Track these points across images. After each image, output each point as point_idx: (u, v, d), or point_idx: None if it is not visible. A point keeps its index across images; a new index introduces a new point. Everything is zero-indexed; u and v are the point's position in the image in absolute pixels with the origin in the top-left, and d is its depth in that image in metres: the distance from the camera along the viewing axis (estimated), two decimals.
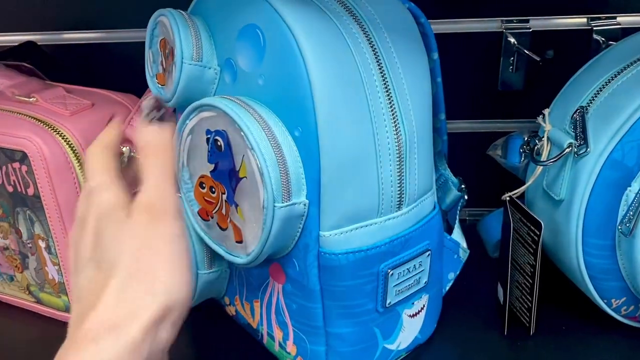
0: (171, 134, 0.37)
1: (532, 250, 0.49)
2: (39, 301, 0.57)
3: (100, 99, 0.54)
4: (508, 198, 0.51)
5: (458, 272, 0.54)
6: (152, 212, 0.34)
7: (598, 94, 0.48)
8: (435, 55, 0.48)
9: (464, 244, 0.54)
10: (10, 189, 0.51)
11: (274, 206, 0.39)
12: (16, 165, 0.50)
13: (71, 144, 0.49)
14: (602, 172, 0.45)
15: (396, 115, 0.41)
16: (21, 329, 0.57)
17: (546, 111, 0.52)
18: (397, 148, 0.41)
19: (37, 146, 0.48)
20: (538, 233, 0.47)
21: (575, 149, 0.46)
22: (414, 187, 0.44)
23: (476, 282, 0.57)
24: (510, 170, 0.56)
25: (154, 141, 0.36)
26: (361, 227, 0.42)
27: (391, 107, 0.41)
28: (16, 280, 0.57)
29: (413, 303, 0.48)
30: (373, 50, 0.40)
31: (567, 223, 0.48)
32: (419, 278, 0.47)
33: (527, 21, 0.61)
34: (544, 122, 0.51)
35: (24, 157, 0.49)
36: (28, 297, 0.57)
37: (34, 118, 0.50)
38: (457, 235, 0.53)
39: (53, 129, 0.49)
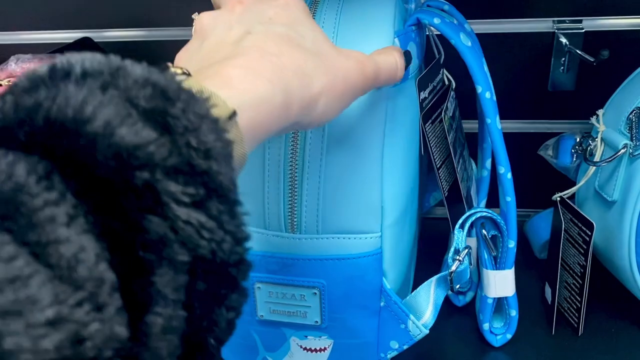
0: None
1: (582, 251, 0.48)
2: None
3: None
4: (559, 198, 0.50)
5: (406, 347, 0.44)
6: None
7: None
8: (480, 90, 0.42)
9: (424, 320, 0.43)
10: None
11: None
12: None
13: None
14: None
15: (298, 135, 0.38)
16: None
17: (600, 112, 0.51)
18: (290, 169, 0.39)
19: None
20: (589, 233, 0.47)
21: (631, 150, 0.46)
22: (313, 218, 0.39)
23: (523, 282, 0.57)
24: (561, 171, 0.55)
25: None
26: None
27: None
28: None
29: (306, 336, 0.44)
30: None
31: (620, 224, 0.47)
32: (305, 312, 0.43)
33: (580, 21, 0.60)
34: (598, 122, 0.50)
35: None
36: None
37: None
38: (417, 305, 0.44)
39: None
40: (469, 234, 0.48)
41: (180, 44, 0.75)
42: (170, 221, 0.20)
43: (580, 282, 0.49)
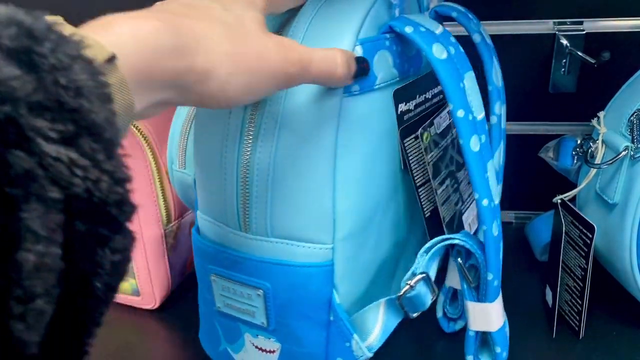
0: None
1: (583, 254, 0.48)
2: None
3: None
4: (559, 200, 0.50)
5: None
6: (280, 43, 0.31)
7: None
8: (451, 107, 0.39)
9: (369, 342, 0.42)
10: None
11: (172, 167, 0.53)
12: None
13: (139, 129, 0.51)
14: None
15: (251, 134, 0.38)
16: None
17: (601, 114, 0.51)
18: (242, 169, 0.39)
19: None
20: (590, 236, 0.46)
21: (632, 152, 0.45)
22: (262, 220, 0.39)
23: (523, 285, 0.57)
24: (562, 173, 0.55)
25: None
26: (211, 222, 0.42)
27: (250, 126, 0.38)
28: None
29: (257, 335, 0.44)
30: None
31: (621, 227, 0.46)
32: (253, 312, 0.42)
33: (581, 23, 0.60)
34: (599, 124, 0.50)
35: None
36: None
37: None
38: (363, 326, 0.42)
39: None
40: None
41: None
42: (37, 157, 0.19)
43: (581, 285, 0.48)
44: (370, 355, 0.41)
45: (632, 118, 0.46)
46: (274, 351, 0.44)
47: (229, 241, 0.41)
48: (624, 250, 0.47)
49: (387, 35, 0.39)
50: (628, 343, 0.50)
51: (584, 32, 0.59)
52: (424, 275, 0.41)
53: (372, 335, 0.41)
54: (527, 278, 0.57)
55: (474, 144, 0.39)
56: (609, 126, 0.49)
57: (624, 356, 0.48)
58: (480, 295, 0.43)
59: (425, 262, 0.42)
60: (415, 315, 0.42)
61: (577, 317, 0.49)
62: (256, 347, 0.44)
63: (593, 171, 0.49)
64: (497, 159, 0.49)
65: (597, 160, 0.48)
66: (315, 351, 0.42)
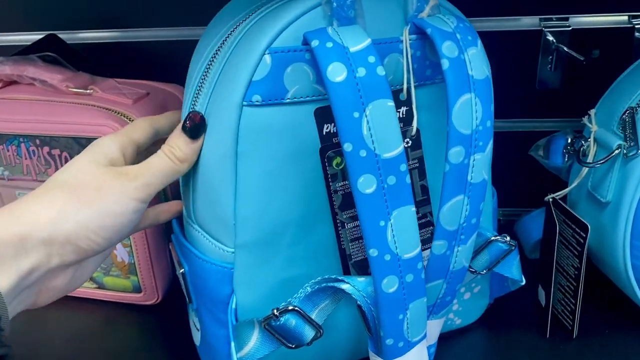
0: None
1: (576, 253, 0.47)
2: (101, 286, 0.57)
3: (151, 89, 0.53)
4: (551, 199, 0.49)
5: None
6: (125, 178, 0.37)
7: None
8: (343, 144, 0.35)
9: (241, 354, 0.41)
10: None
11: None
12: None
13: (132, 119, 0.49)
14: None
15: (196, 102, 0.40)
16: (82, 317, 0.57)
17: (592, 112, 0.50)
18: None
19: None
20: (584, 235, 0.46)
21: (625, 151, 0.45)
22: (192, 208, 0.42)
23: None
24: (552, 171, 0.55)
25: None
26: None
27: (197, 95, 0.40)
28: None
29: (192, 310, 0.47)
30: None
31: (614, 226, 0.46)
32: (183, 286, 0.45)
33: (567, 19, 0.59)
34: (590, 122, 0.49)
35: None
36: (89, 285, 0.57)
37: (102, 107, 0.49)
38: (241, 335, 0.41)
39: (123, 116, 0.48)
40: None
41: (154, 45, 0.74)
42: None
43: (575, 284, 0.48)
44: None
45: (624, 116, 0.46)
46: (198, 329, 0.45)
47: (183, 222, 0.45)
48: (617, 249, 0.47)
49: (308, 47, 0.35)
50: (621, 341, 0.49)
51: (570, 28, 0.59)
52: (293, 308, 0.39)
53: (244, 349, 0.40)
54: None
55: (363, 185, 0.34)
56: (600, 124, 0.49)
57: (618, 354, 0.48)
58: (377, 348, 0.40)
59: (301, 297, 0.39)
60: (293, 346, 0.40)
61: (571, 317, 0.49)
62: (192, 320, 0.47)
63: (585, 170, 0.48)
64: (452, 214, 0.38)
65: (590, 159, 0.48)
66: (218, 345, 0.42)
